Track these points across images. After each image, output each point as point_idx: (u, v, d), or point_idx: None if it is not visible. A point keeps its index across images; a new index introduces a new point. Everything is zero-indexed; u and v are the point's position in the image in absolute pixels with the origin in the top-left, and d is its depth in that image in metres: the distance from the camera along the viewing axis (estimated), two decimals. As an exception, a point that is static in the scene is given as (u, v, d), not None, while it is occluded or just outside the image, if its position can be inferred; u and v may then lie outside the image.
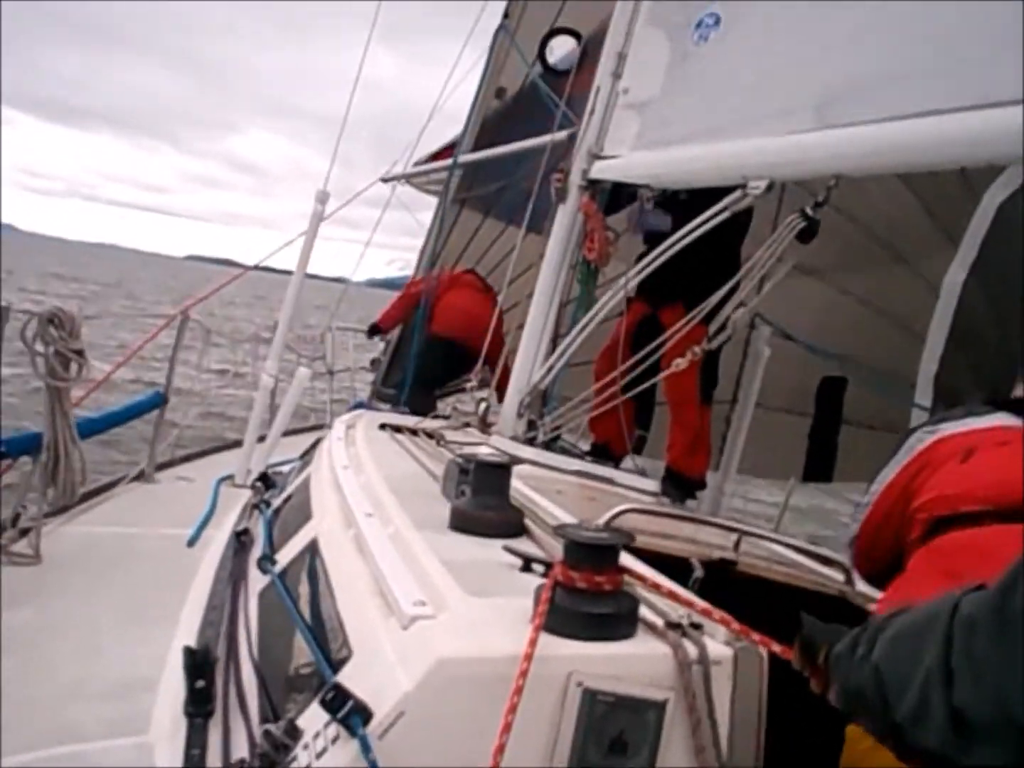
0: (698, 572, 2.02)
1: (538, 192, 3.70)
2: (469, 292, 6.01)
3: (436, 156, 6.35)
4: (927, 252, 4.28)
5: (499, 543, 1.70)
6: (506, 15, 5.82)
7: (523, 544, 1.75)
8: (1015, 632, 0.78)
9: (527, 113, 5.19)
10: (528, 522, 1.87)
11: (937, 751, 0.85)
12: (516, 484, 2.03)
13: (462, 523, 1.81)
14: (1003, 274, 3.80)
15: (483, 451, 2.80)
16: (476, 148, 5.67)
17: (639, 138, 3.02)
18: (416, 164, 6.34)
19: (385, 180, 6.35)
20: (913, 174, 3.39)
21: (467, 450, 2.65)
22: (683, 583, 1.83)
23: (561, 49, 5.35)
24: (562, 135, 3.59)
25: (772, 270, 2.58)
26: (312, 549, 1.91)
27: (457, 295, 5.94)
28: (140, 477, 4.23)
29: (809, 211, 2.42)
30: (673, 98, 2.90)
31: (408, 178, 6.34)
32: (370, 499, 2.00)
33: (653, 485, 2.99)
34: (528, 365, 3.20)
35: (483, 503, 1.83)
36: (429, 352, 5.54)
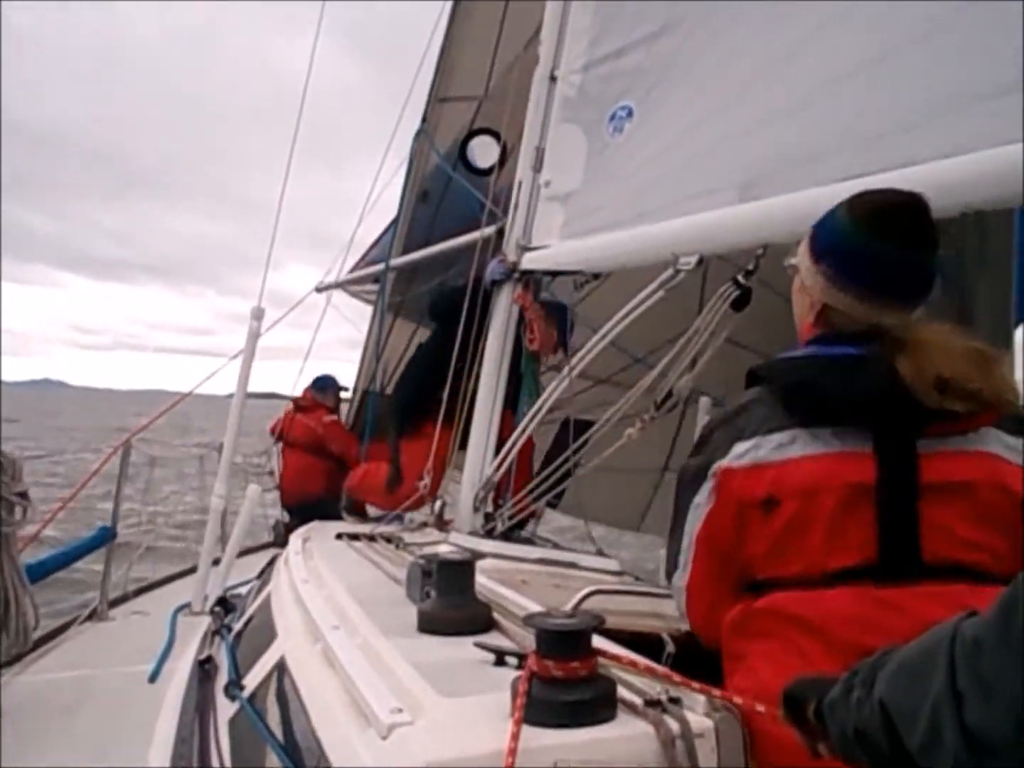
0: (669, 647, 2.02)
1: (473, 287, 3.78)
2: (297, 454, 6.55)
3: (366, 259, 6.46)
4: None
5: (470, 640, 1.68)
6: (424, 119, 6.02)
7: (494, 638, 1.73)
8: (1021, 650, 0.78)
9: (454, 213, 5.31)
10: (496, 616, 1.86)
11: None
12: (480, 579, 2.02)
13: (430, 624, 1.79)
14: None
15: (443, 549, 2.78)
16: (406, 252, 5.76)
17: (566, 227, 3.12)
18: (351, 271, 6.42)
19: (319, 290, 6.41)
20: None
21: (427, 550, 2.62)
22: (656, 659, 1.83)
23: (481, 148, 5.52)
24: (490, 230, 3.68)
25: (710, 340, 2.65)
26: (280, 669, 1.86)
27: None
28: (93, 616, 4.09)
29: (741, 279, 2.50)
30: (595, 187, 3.01)
31: (342, 286, 6.41)
32: (334, 611, 1.97)
33: (615, 565, 2.98)
34: (479, 458, 3.20)
35: (449, 602, 1.82)
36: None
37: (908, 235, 1.50)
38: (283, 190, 5.04)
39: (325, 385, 6.98)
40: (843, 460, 1.44)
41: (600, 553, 3.40)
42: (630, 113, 2.93)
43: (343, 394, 7.02)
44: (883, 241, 1.50)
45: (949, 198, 1.93)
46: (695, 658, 1.82)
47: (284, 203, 5.12)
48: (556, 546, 3.28)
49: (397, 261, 5.62)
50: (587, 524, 3.86)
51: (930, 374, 1.40)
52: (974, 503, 1.42)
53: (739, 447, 1.52)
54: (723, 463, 1.54)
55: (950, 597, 1.34)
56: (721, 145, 2.59)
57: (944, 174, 1.96)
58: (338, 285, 6.37)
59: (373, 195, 5.69)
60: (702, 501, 1.57)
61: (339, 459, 6.44)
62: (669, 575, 1.68)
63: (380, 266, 5.84)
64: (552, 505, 3.71)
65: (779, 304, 4.35)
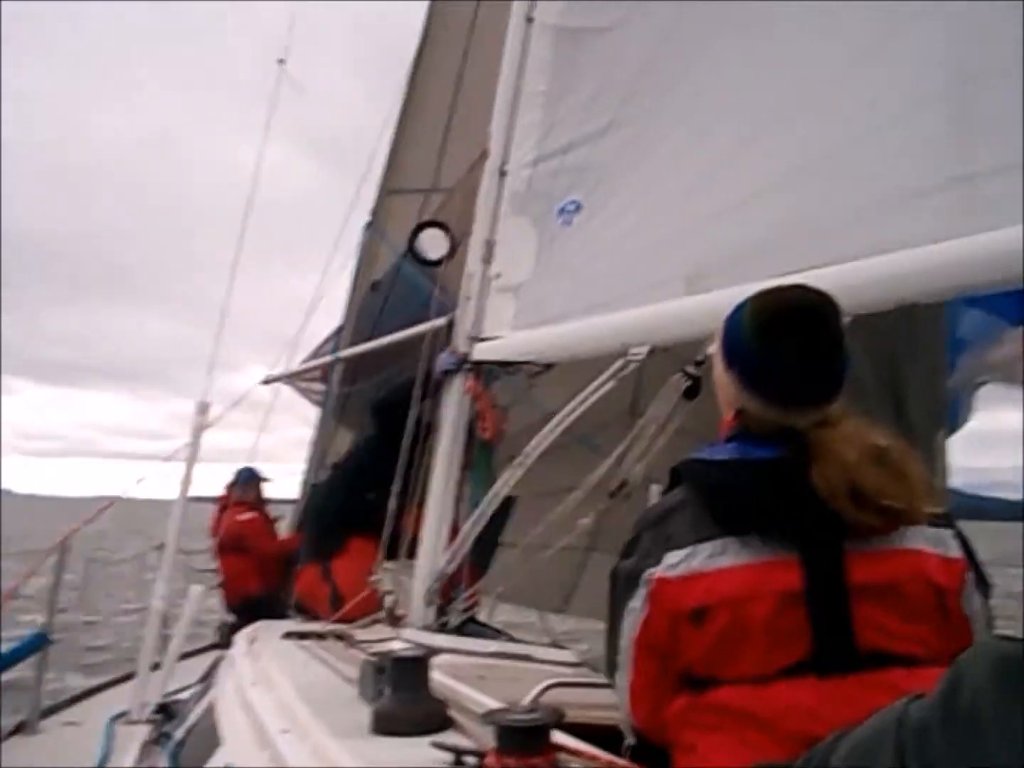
0: (629, 739, 1.99)
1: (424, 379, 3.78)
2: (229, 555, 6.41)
3: (316, 354, 6.44)
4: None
5: (426, 740, 1.62)
6: (374, 212, 6.11)
7: (451, 737, 1.67)
8: (965, 729, 0.80)
9: (403, 305, 5.34)
10: (453, 713, 1.79)
11: None
12: (436, 675, 1.96)
13: (384, 724, 1.72)
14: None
15: (396, 646, 2.70)
16: (355, 344, 5.76)
17: (517, 318, 3.14)
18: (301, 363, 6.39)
19: (266, 382, 6.35)
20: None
21: (379, 647, 2.55)
22: (617, 752, 1.78)
23: (430, 240, 5.57)
24: (441, 322, 3.70)
25: (661, 429, 2.67)
26: (226, 778, 1.77)
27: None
28: (23, 729, 3.87)
29: (691, 370, 2.54)
30: (546, 279, 3.05)
31: (290, 378, 6.36)
32: (283, 714, 1.88)
33: (572, 656, 2.92)
34: (432, 551, 3.15)
35: (404, 700, 1.75)
36: None
37: (809, 342, 1.54)
38: (230, 287, 5.05)
39: (245, 481, 6.73)
40: (771, 568, 1.46)
41: (555, 645, 3.34)
42: (578, 207, 2.99)
43: (266, 486, 6.84)
44: (783, 351, 1.53)
45: (883, 292, 2.00)
46: (656, 749, 1.79)
47: (244, 305, 5.12)
48: (511, 639, 3.22)
49: (346, 352, 5.61)
50: (541, 616, 3.81)
51: (842, 488, 1.43)
52: (902, 600, 1.46)
53: (671, 557, 1.52)
54: (656, 571, 1.53)
55: (890, 682, 1.37)
56: (668, 239, 2.66)
57: (879, 269, 2.03)
58: (286, 377, 6.31)
59: (320, 291, 5.71)
60: (637, 606, 1.56)
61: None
62: (610, 673, 1.67)
63: (327, 358, 5.82)
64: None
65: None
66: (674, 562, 1.51)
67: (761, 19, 2.46)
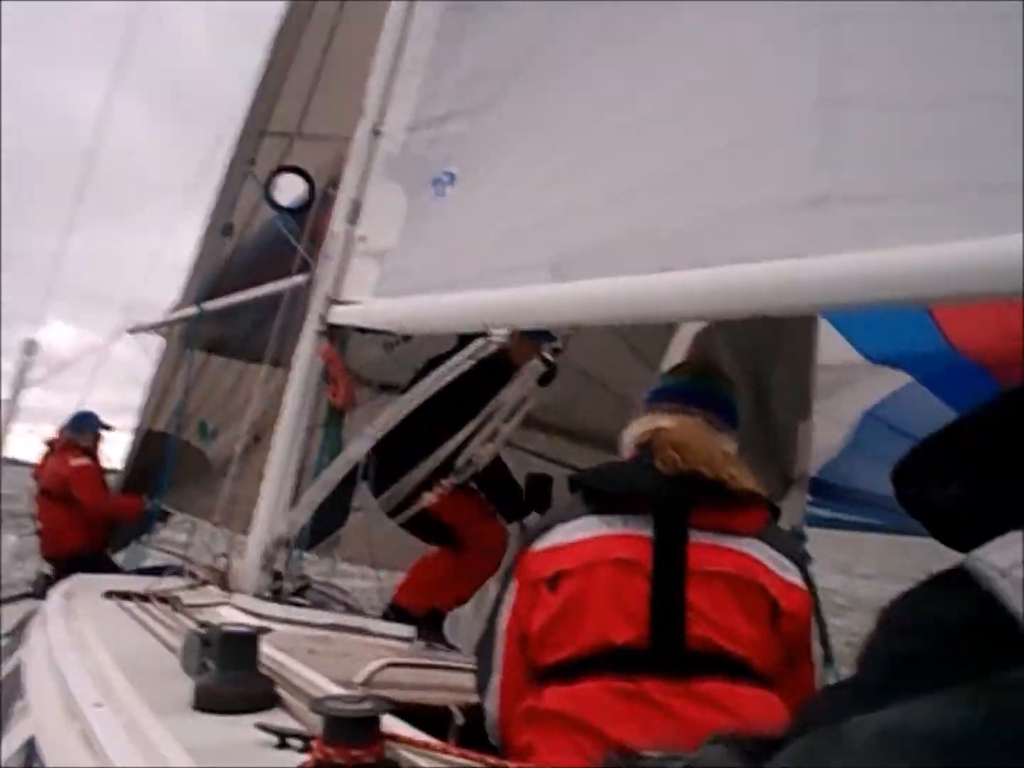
0: (458, 719, 2.01)
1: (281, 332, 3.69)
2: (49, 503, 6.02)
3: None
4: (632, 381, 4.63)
5: (251, 719, 1.58)
6: (236, 154, 5.84)
7: (277, 718, 1.63)
8: None
9: (259, 252, 5.15)
10: (280, 691, 1.75)
11: None
12: (265, 648, 1.91)
13: (207, 702, 1.66)
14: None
15: (226, 613, 2.62)
16: (215, 289, 5.51)
17: (380, 285, 3.07)
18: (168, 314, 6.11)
19: (132, 332, 6.05)
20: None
21: (207, 614, 2.46)
22: (445, 731, 1.80)
23: (289, 189, 5.35)
24: (300, 279, 3.59)
25: (513, 412, 2.69)
26: (29, 752, 1.66)
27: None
28: None
29: (548, 357, 2.59)
30: (412, 249, 2.98)
31: (154, 328, 6.08)
32: (98, 685, 1.78)
33: (408, 630, 2.92)
34: (269, 515, 3.06)
35: (229, 677, 1.69)
36: None
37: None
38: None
39: (83, 423, 6.27)
40: (621, 539, 1.63)
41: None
42: (452, 179, 2.94)
43: (105, 434, 6.43)
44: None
45: (744, 302, 2.06)
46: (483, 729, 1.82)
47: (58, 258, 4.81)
48: (349, 608, 3.19)
49: (211, 305, 5.34)
50: (379, 580, 3.81)
51: (669, 453, 1.70)
52: (734, 593, 1.59)
53: (540, 539, 1.69)
54: (526, 553, 1.70)
55: (712, 697, 1.49)
56: (538, 223, 2.64)
57: (741, 278, 2.08)
58: (150, 328, 6.04)
59: (167, 242, 5.46)
60: (510, 597, 1.71)
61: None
62: (481, 689, 1.71)
63: (191, 310, 5.54)
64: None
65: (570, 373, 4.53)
66: (542, 540, 1.69)
67: (653, 15, 2.47)
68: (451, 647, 3.02)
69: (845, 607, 11.73)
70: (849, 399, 4.17)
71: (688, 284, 2.13)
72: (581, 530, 1.65)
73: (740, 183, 2.22)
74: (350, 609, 3.18)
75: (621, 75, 2.61)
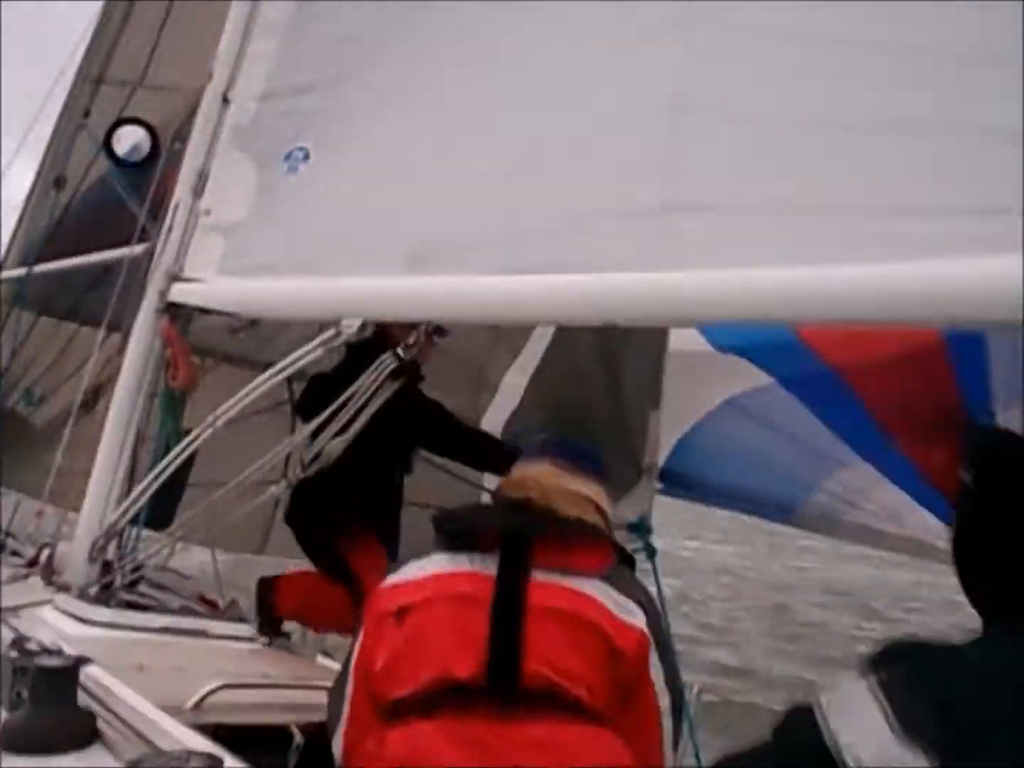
0: (298, 739, 1.96)
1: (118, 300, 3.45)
2: None
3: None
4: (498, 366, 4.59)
5: (67, 758, 1.46)
6: (70, 101, 5.40)
7: (94, 755, 1.52)
8: None
9: (103, 211, 4.79)
10: (101, 725, 1.62)
11: None
12: (87, 669, 1.77)
13: (17, 742, 1.52)
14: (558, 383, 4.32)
15: (49, 617, 2.44)
16: (46, 246, 5.08)
17: (224, 262, 2.89)
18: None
19: None
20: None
21: (26, 620, 2.28)
22: (285, 752, 1.75)
23: (130, 139, 4.98)
24: (139, 250, 3.35)
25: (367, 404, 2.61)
26: None
27: None
28: None
29: (400, 352, 2.52)
30: (260, 226, 2.81)
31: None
32: None
33: (248, 629, 2.81)
34: (99, 504, 2.86)
35: (43, 716, 1.55)
36: None
37: None
38: None
39: None
40: (465, 576, 1.67)
41: (233, 604, 3.22)
42: (306, 156, 2.77)
43: None
44: None
45: (595, 311, 2.03)
46: (324, 754, 1.77)
47: None
48: (185, 608, 3.03)
49: (41, 267, 4.93)
50: (216, 568, 3.66)
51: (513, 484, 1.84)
52: (571, 632, 1.61)
53: (394, 574, 1.74)
54: (376, 588, 1.74)
55: (540, 739, 1.51)
56: (394, 210, 2.53)
57: (593, 286, 2.04)
58: None
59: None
60: (359, 639, 1.70)
61: None
62: (332, 729, 1.70)
63: (20, 270, 5.10)
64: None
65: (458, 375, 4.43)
66: (393, 577, 1.73)
67: (519, 8, 2.39)
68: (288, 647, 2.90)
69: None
70: (709, 387, 4.25)
71: (543, 289, 2.09)
72: (429, 566, 1.69)
73: (589, 185, 2.16)
74: (186, 608, 3.02)
75: (485, 61, 2.52)
